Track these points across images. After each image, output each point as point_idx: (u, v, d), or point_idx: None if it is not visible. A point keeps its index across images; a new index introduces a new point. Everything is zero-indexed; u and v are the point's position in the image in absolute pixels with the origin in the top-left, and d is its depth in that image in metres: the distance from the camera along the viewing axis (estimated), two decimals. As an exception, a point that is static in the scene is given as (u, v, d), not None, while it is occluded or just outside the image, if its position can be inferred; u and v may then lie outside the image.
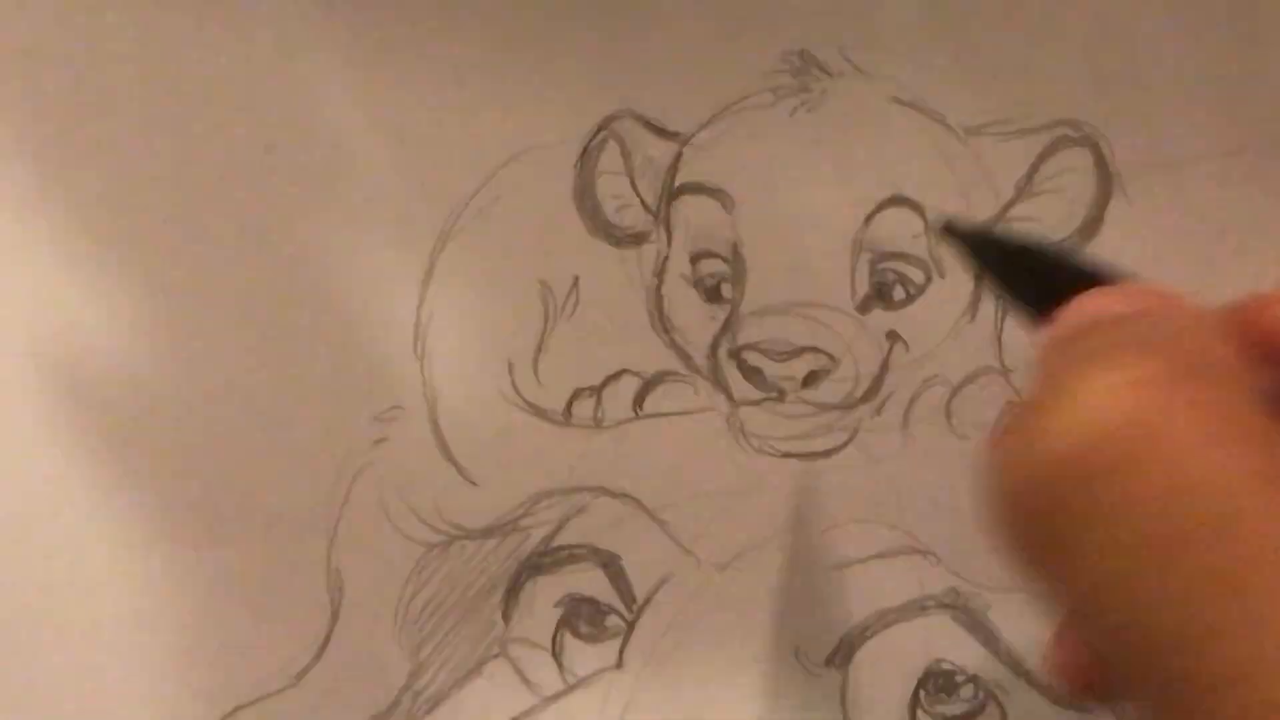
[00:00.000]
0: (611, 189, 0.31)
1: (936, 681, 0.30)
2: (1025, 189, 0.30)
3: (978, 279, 0.30)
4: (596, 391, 0.31)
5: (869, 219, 0.31)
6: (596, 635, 0.30)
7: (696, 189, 0.31)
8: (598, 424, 0.30)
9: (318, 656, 0.30)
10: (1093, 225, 0.30)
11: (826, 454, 0.30)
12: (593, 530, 0.30)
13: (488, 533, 0.30)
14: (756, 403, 0.30)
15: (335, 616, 0.30)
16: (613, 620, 0.30)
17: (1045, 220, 0.30)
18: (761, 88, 0.31)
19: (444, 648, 0.30)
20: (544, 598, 0.30)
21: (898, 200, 0.31)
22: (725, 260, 0.31)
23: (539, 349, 0.31)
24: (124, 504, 0.30)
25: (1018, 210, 0.30)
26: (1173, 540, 0.17)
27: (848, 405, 0.30)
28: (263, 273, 0.31)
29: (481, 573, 0.30)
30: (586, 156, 0.31)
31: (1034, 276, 0.25)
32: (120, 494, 0.30)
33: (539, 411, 0.31)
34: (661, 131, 0.31)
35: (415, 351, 0.31)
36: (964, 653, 0.30)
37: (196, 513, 0.30)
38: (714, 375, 0.31)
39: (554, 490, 0.30)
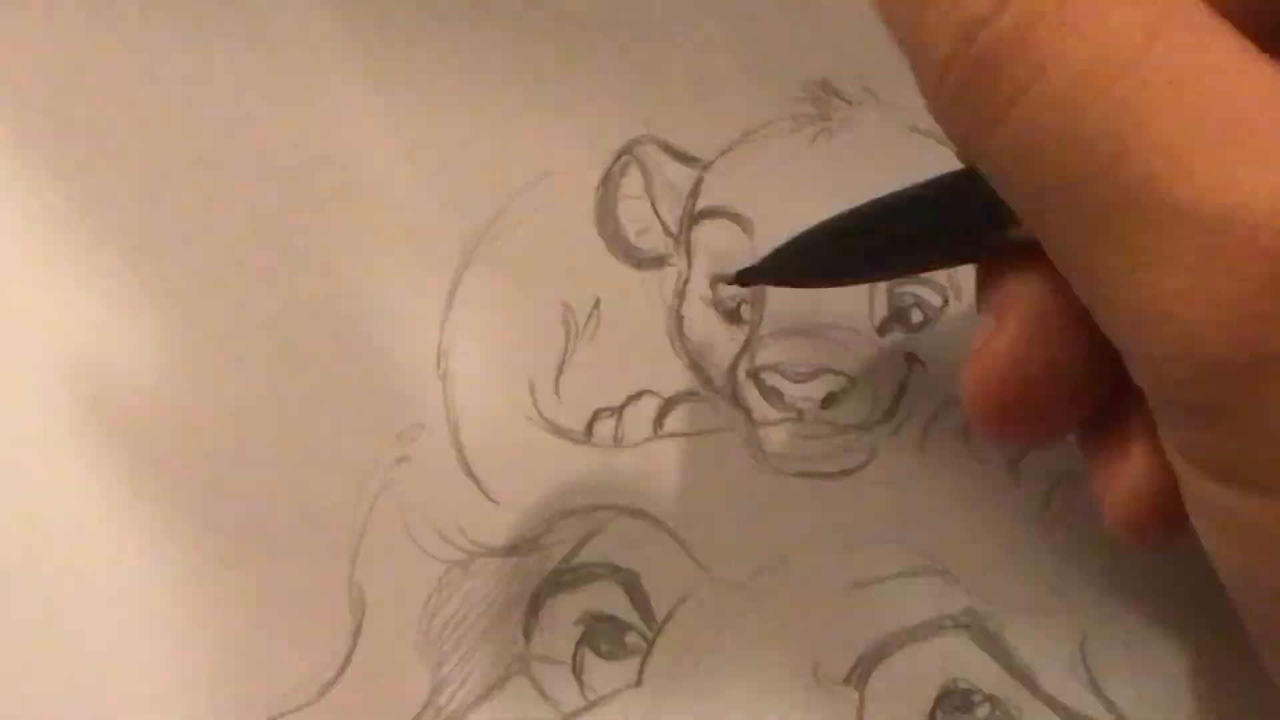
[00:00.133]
0: (633, 212, 0.31)
1: (953, 701, 0.30)
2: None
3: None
4: (617, 411, 0.31)
5: (887, 244, 0.31)
6: (616, 653, 0.30)
7: (717, 213, 0.31)
8: (618, 443, 0.31)
9: (339, 673, 0.30)
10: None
11: (845, 474, 0.31)
12: (613, 548, 0.30)
13: (509, 551, 0.30)
14: (775, 423, 0.31)
15: (357, 633, 0.30)
16: (633, 638, 0.30)
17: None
18: (782, 115, 0.31)
19: (465, 665, 0.30)
20: (564, 615, 0.30)
21: (915, 226, 0.31)
22: (745, 283, 0.31)
23: (560, 369, 0.31)
24: (145, 521, 0.30)
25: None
26: (1088, 84, 0.19)
27: (866, 426, 0.31)
28: (286, 292, 0.31)
29: (502, 590, 0.30)
30: (609, 180, 0.31)
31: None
32: (141, 510, 0.30)
33: (560, 431, 0.31)
34: (683, 157, 0.32)
35: (438, 371, 0.31)
36: (981, 672, 0.30)
37: (218, 530, 0.30)
38: (733, 395, 0.31)
39: (574, 509, 0.31)
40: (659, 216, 0.31)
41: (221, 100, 0.32)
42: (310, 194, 0.31)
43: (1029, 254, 0.23)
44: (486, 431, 0.31)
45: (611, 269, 0.31)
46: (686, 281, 0.31)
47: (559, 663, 0.30)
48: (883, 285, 0.31)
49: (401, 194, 0.31)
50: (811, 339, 0.31)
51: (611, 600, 0.30)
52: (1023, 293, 0.23)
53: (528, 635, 0.30)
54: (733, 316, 0.31)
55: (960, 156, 0.24)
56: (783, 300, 0.31)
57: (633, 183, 0.31)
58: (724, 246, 0.31)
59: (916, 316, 0.31)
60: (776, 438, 0.31)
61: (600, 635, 0.30)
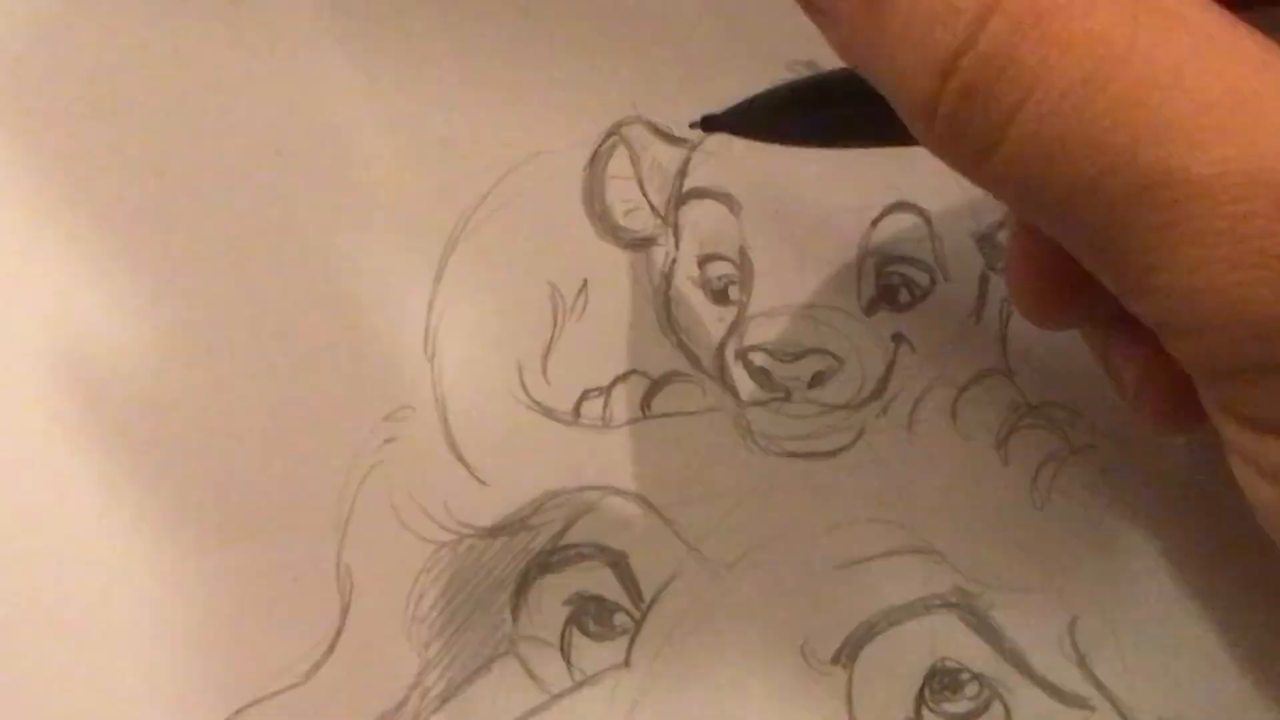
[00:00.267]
0: (621, 193, 0.31)
1: (942, 680, 0.30)
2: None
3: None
4: (605, 392, 0.31)
5: (875, 223, 0.31)
6: (604, 633, 0.30)
7: (705, 193, 0.31)
8: (606, 424, 0.31)
9: (327, 654, 0.30)
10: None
11: (833, 454, 0.31)
12: (601, 529, 0.30)
13: (496, 531, 0.30)
14: (763, 403, 0.31)
15: (345, 614, 0.30)
16: (621, 618, 0.30)
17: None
18: (769, 95, 0.31)
19: (453, 645, 0.30)
20: (552, 596, 0.30)
21: (903, 205, 0.31)
22: (733, 263, 0.31)
23: (548, 350, 0.31)
24: (133, 502, 0.30)
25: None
26: (1082, 88, 0.19)
27: (854, 405, 0.31)
28: (272, 274, 0.31)
29: (490, 571, 0.30)
30: (596, 161, 0.31)
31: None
32: (129, 492, 0.30)
33: (548, 411, 0.31)
34: (671, 137, 0.31)
35: (425, 352, 0.31)
36: (969, 651, 0.30)
37: (206, 511, 0.30)
38: (721, 376, 0.31)
39: (562, 489, 0.31)
40: (647, 197, 0.31)
41: (207, 83, 0.32)
42: (297, 175, 0.31)
43: None
44: (474, 412, 0.31)
45: (599, 250, 0.31)
46: (674, 262, 0.31)
47: (547, 643, 0.30)
48: (870, 263, 0.31)
49: (389, 175, 0.31)
50: (799, 319, 0.31)
51: (599, 580, 0.30)
52: None
53: (515, 615, 0.30)
54: (720, 297, 0.31)
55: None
56: (771, 281, 0.31)
57: (620, 163, 0.31)
58: (712, 227, 0.31)
59: (904, 296, 0.31)
60: (764, 418, 0.31)
61: (588, 615, 0.30)
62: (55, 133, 0.32)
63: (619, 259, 0.31)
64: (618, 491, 0.31)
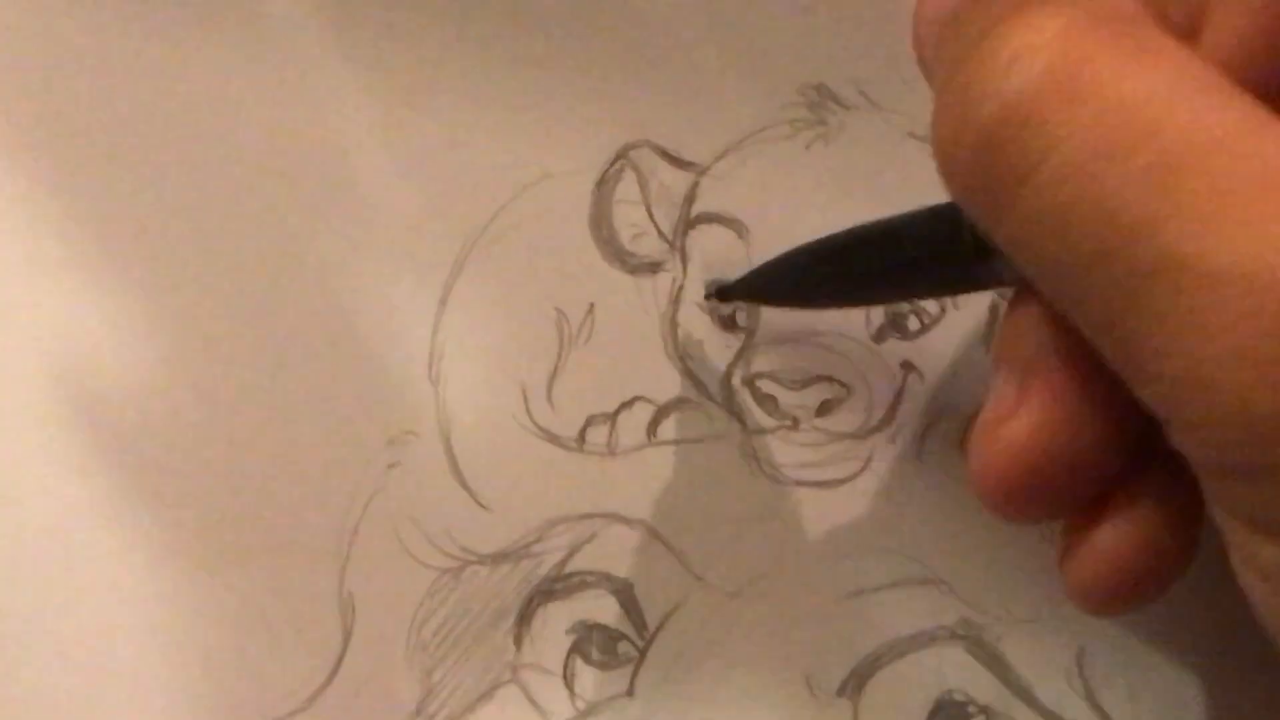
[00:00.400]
0: (628, 217, 0.31)
1: (948, 712, 0.30)
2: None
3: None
4: (610, 418, 0.31)
5: (884, 250, 0.31)
6: (608, 662, 0.30)
7: (712, 218, 0.31)
8: (611, 451, 0.31)
9: (329, 680, 0.30)
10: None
11: (840, 482, 0.30)
12: (605, 557, 0.30)
13: (500, 558, 0.30)
14: (770, 431, 0.31)
15: (347, 640, 0.30)
16: (624, 647, 0.30)
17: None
18: (778, 120, 0.31)
19: (455, 673, 0.30)
20: (555, 624, 0.30)
21: (912, 232, 0.31)
22: (740, 289, 0.31)
23: (553, 375, 0.31)
24: (135, 526, 0.30)
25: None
26: (1106, 154, 0.19)
27: (861, 434, 0.31)
28: (277, 297, 0.31)
29: (493, 598, 0.30)
30: (603, 185, 0.31)
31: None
32: (131, 516, 0.30)
33: (553, 438, 0.31)
34: (679, 161, 0.31)
35: (430, 376, 0.31)
36: (976, 684, 0.30)
37: (208, 536, 0.30)
38: (728, 403, 0.31)
39: (567, 516, 0.30)
40: (654, 222, 0.31)
41: (213, 101, 0.31)
42: (303, 198, 0.31)
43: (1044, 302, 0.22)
44: (478, 438, 0.31)
45: (606, 274, 0.31)
46: (681, 287, 0.31)
47: (550, 672, 0.30)
48: (879, 293, 0.31)
49: (395, 197, 0.31)
50: (807, 346, 0.31)
51: (603, 609, 0.30)
52: (1047, 364, 0.23)
53: (518, 643, 0.30)
54: (728, 323, 0.31)
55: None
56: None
57: (628, 187, 0.31)
58: (719, 252, 0.31)
59: (914, 324, 0.31)
60: (771, 446, 0.31)
61: (592, 644, 0.30)
62: (58, 151, 0.31)
63: (626, 284, 0.31)
64: (622, 519, 0.30)
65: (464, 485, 0.30)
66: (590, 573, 0.30)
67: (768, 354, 0.31)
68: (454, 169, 0.31)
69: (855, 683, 0.30)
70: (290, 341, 0.31)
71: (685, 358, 0.31)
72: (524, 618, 0.30)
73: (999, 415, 0.23)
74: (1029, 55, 0.19)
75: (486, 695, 0.30)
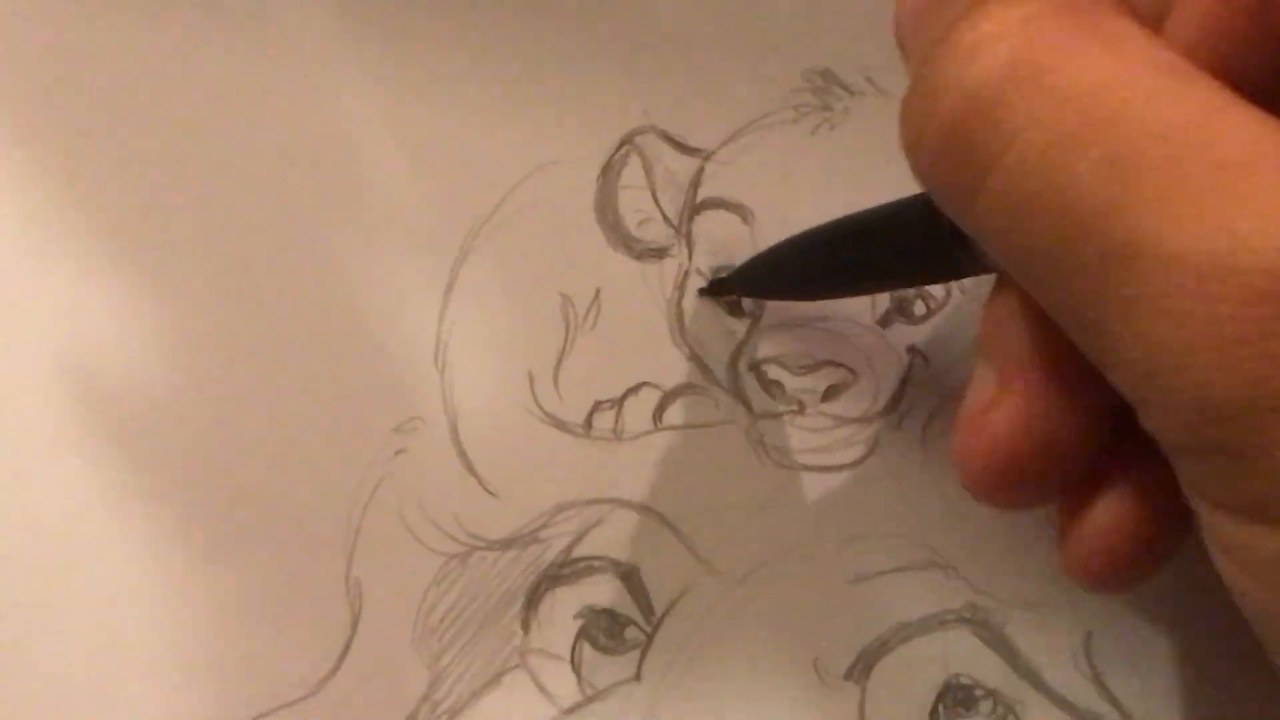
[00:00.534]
0: (633, 203, 0.31)
1: (955, 696, 0.30)
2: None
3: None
4: (617, 404, 0.31)
5: (890, 234, 0.31)
6: (615, 647, 0.30)
7: (718, 204, 0.31)
8: (618, 436, 0.31)
9: (337, 666, 0.30)
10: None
11: (846, 467, 0.30)
12: (612, 542, 0.30)
13: (507, 544, 0.30)
14: (777, 416, 0.31)
15: (354, 626, 0.30)
16: (632, 632, 0.30)
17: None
18: (784, 105, 0.31)
19: (463, 658, 0.30)
20: (563, 609, 0.30)
21: (918, 216, 0.31)
22: (746, 274, 0.31)
23: (559, 361, 0.31)
24: (143, 514, 0.30)
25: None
26: (1066, 144, 0.19)
27: (868, 419, 0.31)
28: (283, 285, 0.31)
29: (501, 584, 0.30)
30: (609, 170, 0.31)
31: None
32: (139, 504, 0.30)
33: (559, 423, 0.31)
34: (684, 147, 0.31)
35: (436, 363, 0.31)
36: (983, 668, 0.30)
37: (216, 523, 0.30)
38: (734, 388, 0.31)
39: (573, 502, 0.30)
40: (659, 207, 0.31)
41: (219, 91, 0.31)
42: (309, 185, 0.31)
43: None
44: (485, 424, 0.31)
45: (611, 260, 0.31)
46: (687, 273, 0.31)
47: (558, 657, 0.30)
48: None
49: (401, 184, 0.31)
50: (813, 331, 0.31)
51: (611, 594, 0.30)
52: (1026, 354, 0.23)
53: (526, 628, 0.30)
54: (734, 308, 0.31)
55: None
56: (784, 292, 0.31)
57: (633, 173, 0.31)
58: (725, 237, 0.31)
59: (919, 309, 0.31)
60: (777, 430, 0.31)
61: (599, 629, 0.30)
62: (65, 143, 0.31)
63: (631, 270, 0.31)
64: (629, 504, 0.30)
65: (471, 471, 0.30)
66: (597, 558, 0.30)
67: (773, 339, 0.31)
68: (459, 155, 0.31)
69: (862, 667, 0.30)
70: (297, 329, 0.31)
71: (691, 343, 0.31)
72: (531, 603, 0.30)
73: (980, 404, 0.23)
74: (991, 45, 0.20)
75: (494, 680, 0.30)
